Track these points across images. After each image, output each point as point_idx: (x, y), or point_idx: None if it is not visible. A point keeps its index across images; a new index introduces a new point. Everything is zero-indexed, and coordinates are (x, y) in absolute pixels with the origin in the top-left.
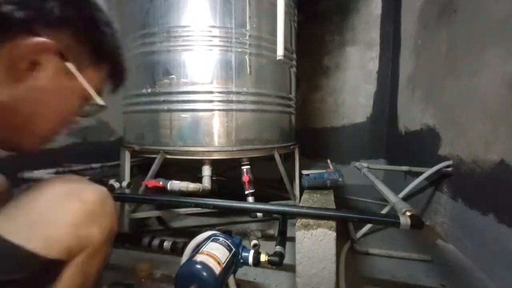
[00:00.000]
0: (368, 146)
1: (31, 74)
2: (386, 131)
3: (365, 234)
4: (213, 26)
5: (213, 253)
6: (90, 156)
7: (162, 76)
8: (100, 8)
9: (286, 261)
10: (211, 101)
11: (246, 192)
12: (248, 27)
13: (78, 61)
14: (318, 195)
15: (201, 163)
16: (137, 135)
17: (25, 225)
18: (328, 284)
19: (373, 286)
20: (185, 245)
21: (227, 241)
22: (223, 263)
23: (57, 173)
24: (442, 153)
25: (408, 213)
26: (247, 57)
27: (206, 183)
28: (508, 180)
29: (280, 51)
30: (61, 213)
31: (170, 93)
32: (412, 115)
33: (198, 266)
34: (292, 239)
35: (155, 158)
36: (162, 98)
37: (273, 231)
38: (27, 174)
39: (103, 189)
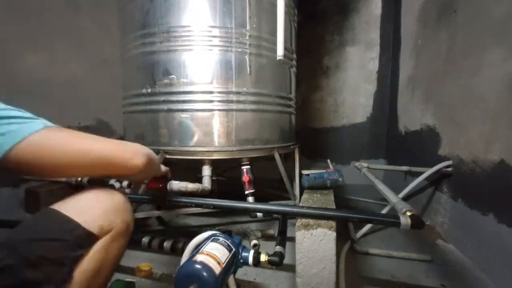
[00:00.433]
0: (368, 146)
1: None
2: (386, 131)
3: (365, 234)
4: (213, 26)
5: (213, 253)
6: None
7: (162, 76)
8: None
9: (286, 261)
10: (211, 101)
11: (246, 192)
12: (248, 27)
13: None
14: (318, 195)
15: (201, 163)
16: (137, 135)
17: (75, 208)
18: (328, 284)
19: (373, 286)
20: (185, 245)
21: (227, 241)
22: (223, 263)
23: None
24: (442, 153)
25: (408, 213)
26: (247, 57)
27: (206, 183)
28: (508, 180)
29: (280, 51)
30: (98, 203)
31: (170, 93)
32: (412, 115)
33: (198, 266)
34: (292, 239)
35: None
36: (162, 98)
37: (273, 231)
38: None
39: (125, 195)
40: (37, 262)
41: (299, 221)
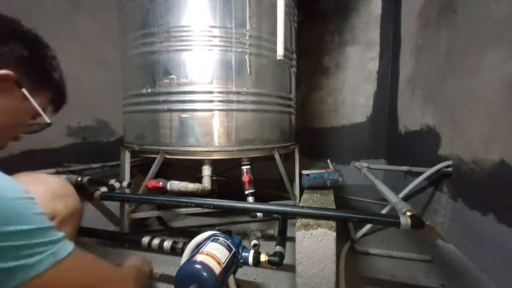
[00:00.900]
0: (368, 146)
1: None
2: (386, 131)
3: (365, 234)
4: (213, 26)
5: (213, 253)
6: (90, 156)
7: (162, 76)
8: (47, 45)
9: (286, 261)
10: (211, 101)
11: (246, 192)
12: (248, 27)
13: (30, 88)
14: (318, 195)
15: (201, 163)
16: (137, 135)
17: None
18: (328, 284)
19: (373, 286)
20: (185, 245)
21: (227, 241)
22: (223, 263)
23: (57, 173)
24: (442, 153)
25: (408, 213)
26: (247, 57)
27: (206, 183)
28: (508, 180)
29: (280, 51)
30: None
31: (170, 93)
32: (412, 115)
33: (198, 266)
34: (292, 239)
35: (155, 158)
36: (162, 98)
37: (273, 231)
38: None
39: (62, 178)
40: None
41: (299, 221)
